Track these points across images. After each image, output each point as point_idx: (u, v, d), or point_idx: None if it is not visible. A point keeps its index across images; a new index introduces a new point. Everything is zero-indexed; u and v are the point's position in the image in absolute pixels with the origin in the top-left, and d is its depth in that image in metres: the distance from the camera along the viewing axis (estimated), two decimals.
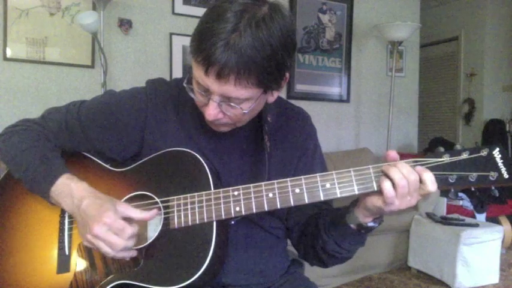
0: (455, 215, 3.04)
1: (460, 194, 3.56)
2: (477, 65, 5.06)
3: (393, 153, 0.81)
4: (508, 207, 3.76)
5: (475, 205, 3.53)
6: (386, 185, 0.77)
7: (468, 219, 2.98)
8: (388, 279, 2.90)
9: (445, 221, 2.88)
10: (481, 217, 3.48)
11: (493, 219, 3.32)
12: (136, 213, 0.86)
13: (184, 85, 0.88)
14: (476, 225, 2.80)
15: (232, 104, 0.83)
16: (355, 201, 0.87)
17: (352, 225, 0.88)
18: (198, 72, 0.82)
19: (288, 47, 0.83)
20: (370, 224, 0.87)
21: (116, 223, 0.83)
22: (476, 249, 2.71)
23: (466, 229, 2.72)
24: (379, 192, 0.78)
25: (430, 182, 0.76)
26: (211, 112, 0.85)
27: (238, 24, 0.77)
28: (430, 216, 2.99)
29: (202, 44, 0.78)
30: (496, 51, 5.02)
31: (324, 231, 0.93)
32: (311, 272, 1.17)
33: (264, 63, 0.79)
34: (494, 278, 2.80)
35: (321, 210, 0.99)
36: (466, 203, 3.53)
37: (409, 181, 0.76)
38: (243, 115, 0.87)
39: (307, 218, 1.01)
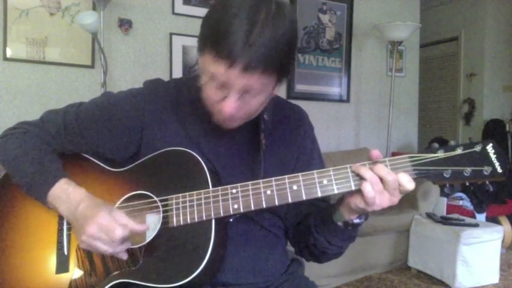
0: (455, 215, 3.04)
1: (460, 194, 3.56)
2: (477, 65, 5.06)
3: (376, 153, 0.83)
4: (508, 207, 3.76)
5: (475, 205, 3.53)
6: (366, 186, 0.79)
7: (468, 219, 2.98)
8: (388, 279, 2.90)
9: (445, 221, 2.88)
10: (481, 217, 3.48)
11: (493, 219, 3.33)
12: (128, 222, 0.86)
13: (201, 84, 0.87)
14: (476, 225, 2.80)
15: (250, 96, 0.85)
16: (341, 200, 0.89)
17: (339, 223, 0.90)
18: (216, 68, 0.81)
19: (296, 39, 0.86)
20: (356, 221, 0.89)
21: (109, 223, 0.83)
22: (476, 249, 2.71)
23: (466, 229, 2.72)
24: (360, 193, 0.80)
25: (406, 182, 0.79)
26: (232, 105, 0.84)
27: (258, 17, 0.78)
28: (430, 216, 2.99)
29: (225, 39, 0.78)
30: (496, 51, 5.02)
31: (315, 228, 0.96)
32: (311, 271, 1.17)
33: (281, 54, 0.81)
34: (494, 278, 2.79)
35: (317, 208, 1.00)
36: (466, 203, 3.53)
37: (387, 181, 0.79)
38: (259, 106, 0.89)
39: (303, 216, 1.02)
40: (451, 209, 3.36)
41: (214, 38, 0.80)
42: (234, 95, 0.83)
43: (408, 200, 3.10)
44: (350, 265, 2.80)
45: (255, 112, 0.91)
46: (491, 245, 2.78)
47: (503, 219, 3.34)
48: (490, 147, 0.78)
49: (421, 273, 2.96)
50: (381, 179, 0.79)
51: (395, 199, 0.81)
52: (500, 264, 2.85)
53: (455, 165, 0.79)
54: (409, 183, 0.79)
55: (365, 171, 0.80)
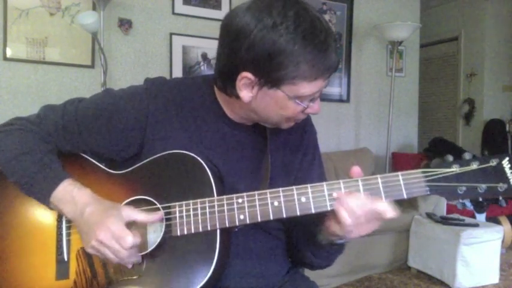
0: (455, 215, 3.04)
1: None
2: (477, 65, 5.06)
3: (357, 170, 0.81)
4: (508, 207, 3.76)
5: (475, 205, 3.52)
6: (344, 214, 0.77)
7: (468, 219, 2.98)
8: (388, 279, 2.90)
9: (445, 221, 2.88)
10: (481, 217, 3.47)
11: (493, 219, 3.32)
12: (141, 216, 0.85)
13: (305, 112, 0.90)
14: (476, 225, 2.80)
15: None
16: (323, 219, 0.87)
17: (323, 242, 0.90)
18: (313, 85, 0.84)
19: None
20: (339, 242, 0.88)
21: (119, 230, 0.81)
22: (476, 249, 2.71)
23: (466, 229, 2.72)
24: (337, 220, 0.79)
25: (386, 212, 0.76)
26: (319, 105, 0.91)
27: (328, 26, 0.85)
28: (430, 216, 2.99)
29: (326, 62, 0.83)
30: (496, 51, 5.02)
31: (302, 244, 0.96)
32: (311, 271, 1.16)
33: None
34: (494, 278, 2.79)
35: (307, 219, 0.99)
36: (466, 203, 3.52)
37: (363, 214, 0.77)
38: None
39: (298, 222, 1.00)
40: (451, 209, 3.36)
41: (319, 64, 0.82)
42: (318, 98, 0.90)
43: (408, 200, 3.10)
44: (350, 265, 2.80)
45: None
46: (491, 245, 2.78)
47: (503, 219, 3.34)
48: (506, 162, 0.75)
49: (421, 273, 2.95)
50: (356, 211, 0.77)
51: (373, 227, 0.80)
52: (500, 264, 2.85)
53: (470, 181, 0.75)
54: (388, 213, 0.76)
55: (343, 202, 0.78)
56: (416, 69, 4.25)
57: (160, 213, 0.86)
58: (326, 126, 3.71)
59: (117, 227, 0.81)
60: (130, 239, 0.81)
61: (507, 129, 4.76)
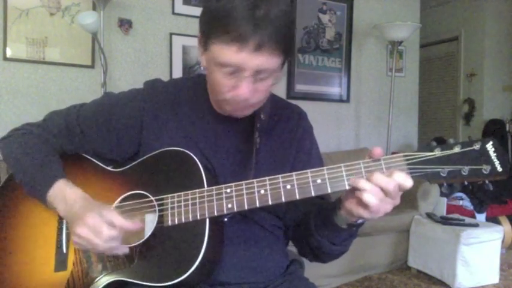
0: (455, 215, 3.04)
1: (460, 194, 3.55)
2: (477, 65, 5.06)
3: (379, 151, 0.80)
4: (508, 207, 3.76)
5: (475, 205, 3.53)
6: (369, 198, 0.76)
7: (468, 219, 2.98)
8: (388, 279, 2.90)
9: (445, 221, 2.88)
10: (481, 217, 3.48)
11: (493, 219, 3.32)
12: (119, 220, 0.85)
13: (209, 77, 0.90)
14: (476, 225, 2.80)
15: (262, 77, 0.86)
16: (339, 202, 0.87)
17: (342, 226, 0.89)
18: (226, 53, 0.82)
19: (295, 16, 0.89)
20: (359, 221, 0.88)
21: (96, 224, 0.83)
22: (476, 249, 2.71)
23: (466, 229, 2.72)
24: (362, 203, 0.78)
25: (404, 181, 0.76)
26: (246, 90, 0.85)
27: (272, 6, 0.80)
28: (430, 216, 2.99)
29: (233, 22, 0.79)
30: (496, 51, 5.02)
31: (317, 232, 0.94)
32: (311, 271, 1.17)
33: (288, 30, 0.84)
34: (494, 278, 2.79)
35: (317, 208, 0.99)
36: (466, 203, 3.53)
37: (389, 190, 0.76)
38: (269, 88, 0.90)
39: (302, 215, 1.01)
40: (451, 209, 3.36)
41: (220, 24, 0.81)
42: (247, 77, 0.84)
43: (408, 200, 3.10)
44: (350, 265, 2.80)
45: (264, 98, 0.92)
46: (491, 245, 2.78)
47: (503, 219, 3.34)
48: (489, 145, 0.75)
49: (421, 273, 2.95)
50: (382, 189, 0.76)
51: (397, 201, 0.79)
52: (500, 264, 2.85)
53: (453, 164, 0.76)
54: (407, 182, 0.76)
55: (364, 184, 0.76)
56: (416, 69, 4.25)
57: (136, 224, 0.87)
58: (326, 126, 3.71)
59: (94, 221, 0.84)
60: (105, 231, 0.83)
61: (507, 129, 4.77)
